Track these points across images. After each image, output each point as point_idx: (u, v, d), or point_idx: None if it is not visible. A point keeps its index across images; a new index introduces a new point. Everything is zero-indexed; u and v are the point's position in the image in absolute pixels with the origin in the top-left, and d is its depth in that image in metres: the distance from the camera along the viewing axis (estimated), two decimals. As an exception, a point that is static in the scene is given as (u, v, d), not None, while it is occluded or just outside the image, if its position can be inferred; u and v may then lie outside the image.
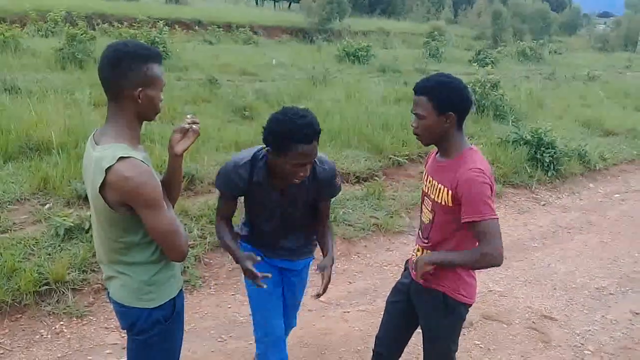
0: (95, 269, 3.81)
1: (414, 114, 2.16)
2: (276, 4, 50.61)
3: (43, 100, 7.12)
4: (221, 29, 23.17)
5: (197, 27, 23.51)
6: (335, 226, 5.07)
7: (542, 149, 7.25)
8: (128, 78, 1.76)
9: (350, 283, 4.38)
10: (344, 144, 6.81)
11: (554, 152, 7.23)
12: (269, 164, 2.27)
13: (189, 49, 15.51)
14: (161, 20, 17.14)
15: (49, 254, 3.87)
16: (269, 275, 2.29)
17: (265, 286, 2.27)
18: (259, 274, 2.25)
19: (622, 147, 8.98)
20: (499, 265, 2.09)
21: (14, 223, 4.19)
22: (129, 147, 1.79)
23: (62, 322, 3.50)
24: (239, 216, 2.71)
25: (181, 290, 2.07)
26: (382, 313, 2.59)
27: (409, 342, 2.59)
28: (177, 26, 21.12)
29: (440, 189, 2.18)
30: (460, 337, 2.43)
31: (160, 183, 1.86)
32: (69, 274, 3.73)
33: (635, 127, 10.04)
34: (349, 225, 5.16)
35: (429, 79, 2.17)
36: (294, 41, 24.60)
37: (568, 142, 7.73)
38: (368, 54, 16.50)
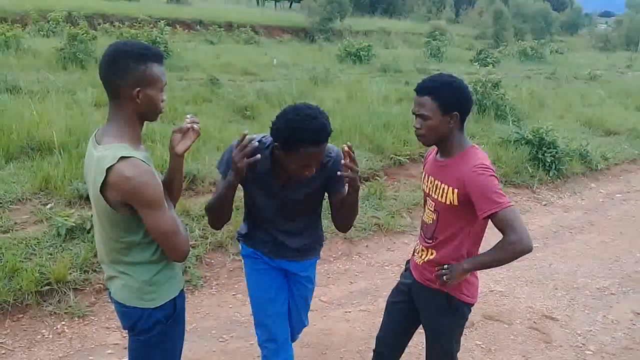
0: (97, 269, 3.82)
1: (417, 114, 2.15)
2: (277, 3, 50.62)
3: (44, 100, 7.14)
4: (222, 29, 23.20)
5: (198, 27, 23.56)
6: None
7: (544, 148, 7.24)
8: (126, 77, 1.77)
9: (352, 283, 4.38)
10: (345, 143, 6.79)
11: (556, 152, 7.23)
12: (275, 155, 2.20)
13: (190, 48, 15.53)
14: (162, 20, 17.15)
15: (51, 254, 3.87)
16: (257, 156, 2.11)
17: (257, 144, 2.12)
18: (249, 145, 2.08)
19: (624, 146, 8.97)
20: (530, 251, 2.02)
21: (15, 223, 4.19)
22: (130, 146, 1.79)
23: (63, 322, 3.51)
24: (239, 216, 2.70)
25: (182, 290, 2.07)
26: (384, 313, 2.58)
27: (410, 342, 2.59)
28: (178, 26, 21.17)
29: (444, 189, 2.17)
30: (461, 337, 2.42)
31: (161, 183, 1.86)
32: (70, 274, 3.73)
33: (636, 127, 10.02)
34: (349, 225, 5.15)
35: (431, 79, 2.17)
36: (295, 41, 24.63)
37: (569, 142, 7.72)
38: (369, 53, 16.52)
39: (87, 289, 3.77)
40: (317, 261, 2.67)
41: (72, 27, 12.79)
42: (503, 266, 2.22)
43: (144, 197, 1.76)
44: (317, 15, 27.96)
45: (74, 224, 4.08)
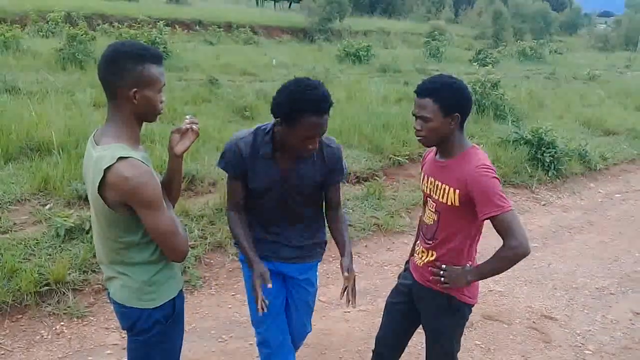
0: (96, 270, 3.81)
1: (418, 116, 2.14)
2: (276, 4, 50.62)
3: (43, 100, 7.13)
4: (221, 29, 23.22)
5: (197, 27, 23.56)
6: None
7: (543, 148, 7.25)
8: (123, 78, 1.76)
9: (351, 283, 4.38)
10: (344, 143, 6.80)
11: (555, 152, 7.23)
12: (277, 136, 2.21)
13: (190, 49, 15.54)
14: (161, 20, 17.17)
15: (50, 255, 3.87)
16: (266, 304, 2.23)
17: (261, 313, 2.23)
18: (263, 300, 2.21)
19: (623, 146, 8.97)
20: (527, 254, 2.05)
21: (14, 224, 4.19)
22: (128, 147, 1.79)
23: (62, 323, 3.50)
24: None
25: (181, 290, 2.06)
26: (383, 313, 2.58)
27: (410, 342, 2.59)
28: (177, 26, 21.17)
29: (445, 189, 2.17)
30: (461, 337, 2.42)
31: (160, 183, 1.86)
32: (69, 274, 3.72)
33: (635, 127, 10.03)
34: (349, 225, 5.15)
35: (432, 80, 2.16)
36: (295, 41, 24.64)
37: (568, 142, 7.73)
38: (368, 53, 16.53)
39: (86, 289, 3.76)
40: (317, 263, 2.63)
41: (71, 27, 12.79)
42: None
43: (142, 198, 1.75)
44: (317, 16, 27.98)
45: (72, 225, 4.08)
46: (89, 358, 3.24)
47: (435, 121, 2.11)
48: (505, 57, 20.63)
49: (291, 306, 2.57)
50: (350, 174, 6.20)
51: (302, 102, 2.03)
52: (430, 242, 2.29)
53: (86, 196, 1.89)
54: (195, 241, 4.37)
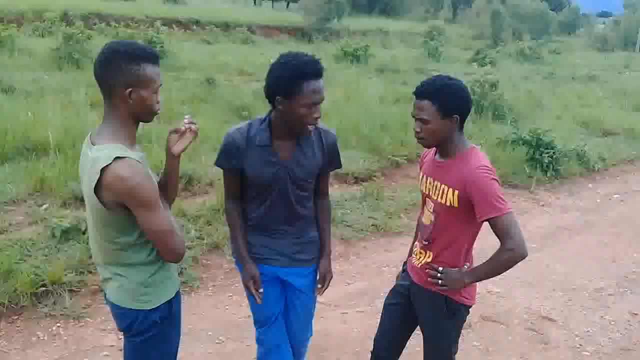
0: (92, 271, 3.79)
1: (417, 118, 2.13)
2: (274, 3, 50.62)
3: (40, 100, 7.11)
4: (219, 29, 23.20)
5: (194, 27, 23.53)
6: (334, 227, 5.04)
7: (541, 149, 7.25)
8: (118, 77, 1.75)
9: (349, 284, 4.37)
10: (342, 144, 6.68)
11: (553, 153, 7.23)
12: (275, 123, 2.21)
13: (187, 48, 15.50)
14: (159, 19, 17.17)
15: (46, 256, 3.85)
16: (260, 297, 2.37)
17: (259, 301, 2.36)
18: (257, 296, 2.35)
19: (621, 147, 8.98)
20: (524, 257, 2.06)
21: (10, 224, 4.18)
22: (125, 147, 1.78)
23: (59, 324, 3.49)
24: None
25: (178, 291, 2.05)
26: (381, 314, 2.57)
27: (408, 344, 2.58)
28: (174, 26, 21.14)
29: (443, 190, 2.16)
30: (459, 339, 2.41)
31: (156, 183, 1.85)
32: (65, 275, 3.71)
33: (634, 127, 10.04)
34: (347, 226, 5.15)
35: (431, 82, 2.14)
36: (292, 41, 24.61)
37: (567, 143, 7.73)
38: (367, 53, 16.52)
39: (83, 290, 3.75)
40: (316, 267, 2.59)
41: (67, 26, 12.77)
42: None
43: (138, 198, 1.75)
44: (315, 15, 27.97)
45: (69, 225, 4.07)
46: (85, 359, 3.23)
47: (434, 123, 2.10)
48: (504, 57, 20.66)
49: (292, 311, 2.54)
50: (348, 174, 6.19)
51: (299, 67, 2.07)
52: (427, 242, 2.28)
53: (82, 197, 1.87)
54: (192, 242, 4.36)
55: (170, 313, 1.98)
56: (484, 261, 2.13)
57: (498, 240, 2.07)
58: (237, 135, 2.25)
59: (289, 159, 2.25)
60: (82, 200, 4.26)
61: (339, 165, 2.43)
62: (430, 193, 2.25)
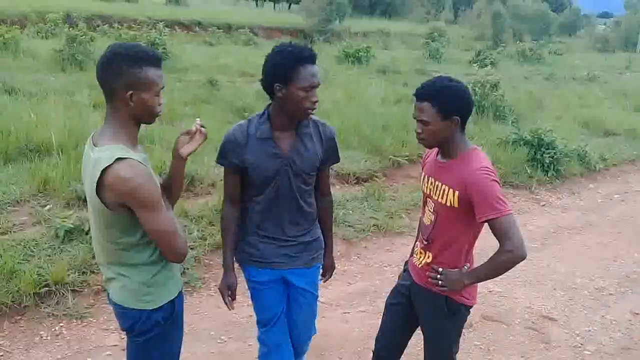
0: (95, 271, 3.81)
1: (418, 120, 2.14)
2: (276, 5, 50.61)
3: (43, 101, 7.14)
4: (221, 30, 23.19)
5: (197, 29, 23.54)
6: (335, 227, 5.05)
7: (542, 149, 7.26)
8: (119, 80, 1.77)
9: (350, 284, 4.38)
10: (344, 144, 6.80)
11: (554, 153, 7.24)
12: (274, 115, 2.26)
13: (189, 50, 15.52)
14: (161, 21, 17.19)
15: (49, 256, 3.87)
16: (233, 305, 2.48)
17: (230, 309, 2.49)
18: (229, 305, 2.47)
19: (622, 147, 8.98)
20: (523, 259, 2.06)
21: (13, 224, 4.19)
22: (127, 148, 1.80)
23: (61, 324, 3.50)
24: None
25: (181, 291, 2.06)
26: (382, 314, 2.58)
27: (409, 343, 2.59)
28: (177, 27, 21.17)
29: (444, 190, 2.17)
30: (460, 338, 2.42)
31: (158, 184, 1.86)
32: (68, 275, 3.72)
33: (634, 128, 10.04)
34: (349, 226, 5.16)
35: (430, 83, 2.15)
36: (294, 42, 24.56)
37: (568, 143, 7.73)
38: (368, 54, 16.52)
39: (86, 290, 3.76)
40: (320, 265, 2.62)
41: (70, 28, 12.79)
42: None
43: (140, 198, 1.76)
44: (316, 17, 27.94)
45: (72, 226, 4.08)
46: (88, 359, 3.24)
47: (434, 125, 2.11)
48: (505, 58, 20.64)
49: (296, 311, 2.56)
50: (349, 174, 6.20)
51: (294, 53, 2.15)
52: (428, 242, 2.29)
53: (85, 197, 1.89)
54: (194, 242, 4.37)
55: (172, 313, 1.99)
56: (484, 262, 2.14)
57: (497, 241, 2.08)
58: (237, 131, 2.28)
59: (289, 150, 2.27)
60: (85, 200, 4.27)
61: (337, 160, 2.47)
62: (431, 193, 2.26)
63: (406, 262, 2.55)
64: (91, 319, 3.59)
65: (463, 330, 2.43)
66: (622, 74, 20.33)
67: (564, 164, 7.37)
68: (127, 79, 1.76)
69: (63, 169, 4.89)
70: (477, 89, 9.17)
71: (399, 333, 2.54)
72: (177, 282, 2.05)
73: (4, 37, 11.42)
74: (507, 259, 2.06)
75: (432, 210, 2.26)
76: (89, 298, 3.74)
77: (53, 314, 3.54)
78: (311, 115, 2.31)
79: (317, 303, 2.68)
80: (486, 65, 13.72)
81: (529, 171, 7.10)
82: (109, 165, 1.71)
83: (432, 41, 21.23)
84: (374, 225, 5.27)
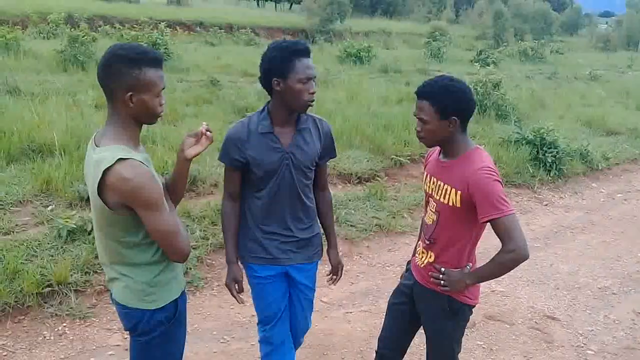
0: (98, 271, 3.81)
1: (418, 118, 2.15)
2: (277, 5, 50.61)
3: (45, 102, 7.14)
4: (222, 30, 23.21)
5: (198, 29, 23.56)
6: (338, 227, 5.06)
7: (544, 148, 7.25)
8: (119, 81, 1.77)
9: (353, 284, 4.38)
10: (346, 144, 6.80)
11: (556, 152, 7.23)
12: (277, 104, 2.31)
13: (191, 50, 15.54)
14: (163, 21, 17.18)
15: (52, 256, 3.87)
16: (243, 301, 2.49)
17: (240, 302, 2.48)
18: (238, 298, 2.48)
19: (625, 146, 8.96)
20: (526, 259, 2.06)
21: (16, 225, 4.19)
22: (128, 148, 1.80)
23: (64, 324, 3.51)
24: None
25: (183, 291, 2.07)
26: (385, 314, 2.58)
27: (412, 343, 2.59)
28: (178, 28, 21.18)
29: (446, 190, 2.16)
30: (463, 338, 2.42)
31: (160, 184, 1.86)
32: (71, 275, 3.73)
33: (637, 127, 10.03)
34: (351, 225, 5.15)
35: (431, 82, 2.15)
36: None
37: (570, 142, 7.73)
38: (369, 54, 16.50)
39: (88, 290, 3.76)
40: (318, 262, 2.66)
41: (72, 29, 12.80)
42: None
43: (142, 198, 1.76)
44: (317, 17, 27.94)
45: (75, 226, 4.08)
46: (91, 359, 3.25)
47: (432, 123, 2.11)
48: (507, 58, 20.61)
49: (296, 305, 2.60)
50: (352, 174, 6.20)
51: (290, 47, 2.23)
52: (430, 242, 2.29)
53: (88, 197, 1.89)
54: (197, 242, 4.37)
55: (175, 313, 2.00)
56: (486, 262, 2.14)
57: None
58: (238, 128, 2.36)
59: (290, 144, 2.34)
60: (87, 200, 4.30)
61: (335, 155, 2.56)
62: (433, 193, 2.26)
63: (409, 262, 2.55)
64: (94, 319, 3.59)
65: (466, 329, 2.42)
66: (624, 73, 20.28)
67: (566, 163, 7.36)
68: (126, 81, 1.76)
69: (65, 169, 4.90)
70: (479, 89, 9.16)
71: (402, 333, 2.54)
72: (180, 282, 2.05)
73: (6, 37, 11.43)
74: (509, 259, 2.06)
75: (434, 210, 2.26)
76: (92, 298, 3.74)
77: (56, 314, 3.55)
78: (309, 113, 2.39)
79: (314, 296, 2.73)
80: (488, 65, 13.69)
81: (531, 170, 7.09)
82: (110, 166, 1.71)
83: (433, 40, 21.19)
84: (376, 225, 5.27)
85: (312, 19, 28.19)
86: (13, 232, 4.09)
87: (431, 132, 2.13)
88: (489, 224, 2.08)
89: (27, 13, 18.32)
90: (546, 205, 6.56)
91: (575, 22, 51.79)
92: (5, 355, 3.19)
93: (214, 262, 4.35)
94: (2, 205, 4.38)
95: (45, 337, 3.39)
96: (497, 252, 2.08)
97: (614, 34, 39.48)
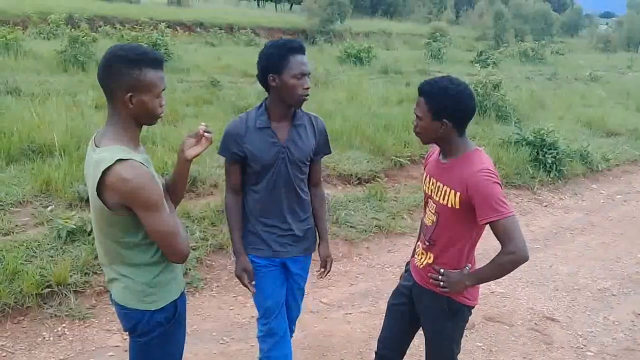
0: (98, 271, 3.82)
1: (415, 113, 2.18)
2: (277, 5, 50.62)
3: (45, 102, 7.15)
4: (223, 31, 23.22)
5: (198, 29, 23.56)
6: (337, 227, 5.07)
7: (545, 150, 7.25)
8: (119, 82, 1.77)
9: (352, 285, 4.38)
10: (346, 145, 6.81)
11: (556, 153, 7.23)
12: (274, 99, 2.40)
13: (191, 50, 15.56)
14: (163, 22, 17.19)
15: (51, 257, 3.87)
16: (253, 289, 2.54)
17: (253, 291, 2.53)
18: (250, 287, 2.52)
19: (625, 147, 8.96)
20: (526, 260, 2.07)
21: (16, 225, 4.19)
22: (128, 149, 1.80)
23: (64, 325, 3.51)
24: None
25: (183, 292, 2.07)
26: (384, 315, 2.58)
27: (412, 344, 2.59)
28: (178, 28, 21.19)
29: (445, 191, 2.16)
30: (462, 339, 2.42)
31: (160, 185, 1.86)
32: (71, 276, 3.73)
33: (637, 128, 10.03)
34: (350, 227, 5.15)
35: (432, 81, 2.15)
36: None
37: (570, 143, 7.72)
38: (370, 55, 16.51)
39: (88, 291, 3.77)
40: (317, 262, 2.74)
41: (72, 29, 12.80)
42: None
43: (141, 199, 1.76)
44: (318, 17, 27.93)
45: (74, 227, 4.09)
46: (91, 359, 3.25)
47: (425, 121, 2.13)
48: (507, 58, 20.63)
49: (290, 294, 2.70)
50: (351, 175, 6.20)
51: (285, 45, 2.35)
52: (429, 243, 2.29)
53: (88, 198, 1.89)
54: (196, 243, 4.37)
55: (175, 314, 2.00)
56: (486, 264, 2.14)
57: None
58: (237, 123, 2.46)
59: (286, 139, 2.44)
60: (87, 201, 4.28)
61: (329, 151, 2.66)
62: (432, 194, 2.26)
63: (408, 263, 2.55)
64: (94, 320, 3.59)
65: (465, 331, 2.42)
66: (624, 73, 20.29)
67: (566, 164, 7.36)
68: (126, 82, 1.76)
69: (65, 169, 4.90)
70: (479, 89, 9.16)
71: (402, 334, 2.54)
72: (180, 282, 2.05)
73: (6, 38, 11.43)
74: (509, 260, 2.06)
75: (433, 211, 2.26)
76: (92, 299, 3.74)
77: (55, 315, 3.55)
78: (305, 111, 2.50)
79: (305, 283, 2.80)
80: (488, 65, 13.71)
81: (531, 171, 7.09)
82: (110, 166, 1.72)
83: (434, 41, 21.19)
84: (375, 226, 5.27)
85: (313, 19, 28.18)
86: (13, 232, 4.09)
87: (424, 129, 2.16)
88: (488, 225, 2.09)
89: (27, 13, 18.33)
90: (546, 206, 6.56)
91: (575, 22, 51.77)
92: (4, 356, 3.20)
93: (213, 263, 4.35)
94: (2, 205, 4.38)
95: (44, 337, 3.39)
96: (497, 254, 2.08)
97: (614, 35, 39.47)
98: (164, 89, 1.86)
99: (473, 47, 26.75)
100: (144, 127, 1.93)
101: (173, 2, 33.18)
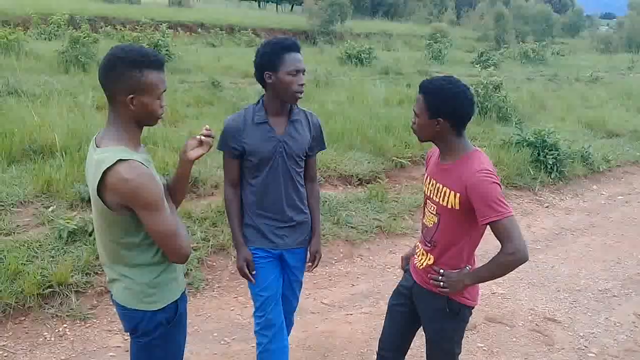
0: (99, 272, 3.82)
1: (413, 109, 2.20)
2: (278, 6, 50.67)
3: (46, 103, 7.15)
4: (224, 32, 23.27)
5: (199, 30, 23.61)
6: (338, 228, 5.07)
7: (545, 150, 7.24)
8: (119, 84, 1.78)
9: (353, 285, 4.38)
10: (346, 146, 6.81)
11: (557, 154, 7.22)
12: (270, 96, 2.49)
13: (192, 51, 15.56)
14: (164, 23, 17.20)
15: (53, 257, 3.88)
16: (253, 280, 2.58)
17: (254, 282, 2.58)
18: (252, 277, 2.57)
19: (626, 148, 8.96)
20: (525, 261, 2.06)
21: (17, 226, 4.20)
22: (129, 149, 1.80)
23: (65, 325, 3.51)
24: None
25: (184, 292, 2.07)
26: (385, 316, 2.58)
27: (413, 344, 2.59)
28: (180, 29, 21.24)
29: (445, 192, 2.17)
30: (463, 340, 2.42)
31: (161, 185, 1.86)
32: (72, 276, 3.73)
33: (638, 129, 10.01)
34: (351, 227, 5.15)
35: (432, 80, 2.17)
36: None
37: (571, 144, 7.72)
38: (370, 56, 16.52)
39: (89, 291, 3.77)
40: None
41: (74, 30, 12.82)
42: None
43: (142, 199, 1.76)
44: (318, 18, 27.97)
45: (75, 227, 4.09)
46: (92, 360, 3.25)
47: (421, 119, 2.16)
48: (508, 59, 20.65)
49: (288, 286, 2.75)
50: (352, 176, 6.20)
51: (280, 43, 2.44)
52: (430, 244, 2.29)
53: (89, 198, 1.89)
54: (197, 243, 4.37)
55: (176, 314, 2.00)
56: (485, 263, 2.14)
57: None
58: (235, 119, 2.54)
59: (283, 133, 2.52)
60: (88, 201, 4.30)
61: (324, 146, 2.75)
62: (432, 195, 2.26)
63: (408, 263, 2.55)
64: (95, 320, 3.59)
65: (466, 331, 2.42)
66: (625, 74, 20.28)
67: (567, 165, 7.36)
68: (127, 83, 1.77)
69: (66, 170, 4.90)
70: (480, 90, 9.17)
71: (402, 334, 2.54)
72: (181, 283, 2.06)
73: (8, 38, 11.44)
74: (508, 261, 2.06)
75: (433, 212, 2.26)
76: (93, 299, 3.75)
77: (57, 315, 3.55)
78: (301, 107, 2.60)
79: (302, 275, 2.83)
80: (489, 66, 13.68)
81: (532, 172, 7.09)
82: (110, 166, 1.72)
83: (434, 42, 21.21)
84: (376, 226, 5.27)
85: (313, 20, 28.22)
86: (14, 233, 4.10)
87: (420, 126, 2.18)
88: (488, 226, 2.09)
89: (28, 14, 18.35)
90: (547, 207, 6.56)
91: (576, 23, 51.73)
92: (5, 356, 3.20)
93: (214, 264, 4.35)
94: (3, 206, 4.38)
95: (45, 338, 3.39)
96: (496, 254, 2.08)
97: (615, 36, 39.44)
98: (164, 91, 1.86)
99: (474, 48, 26.73)
100: (145, 128, 1.93)
101: (174, 3, 33.24)
